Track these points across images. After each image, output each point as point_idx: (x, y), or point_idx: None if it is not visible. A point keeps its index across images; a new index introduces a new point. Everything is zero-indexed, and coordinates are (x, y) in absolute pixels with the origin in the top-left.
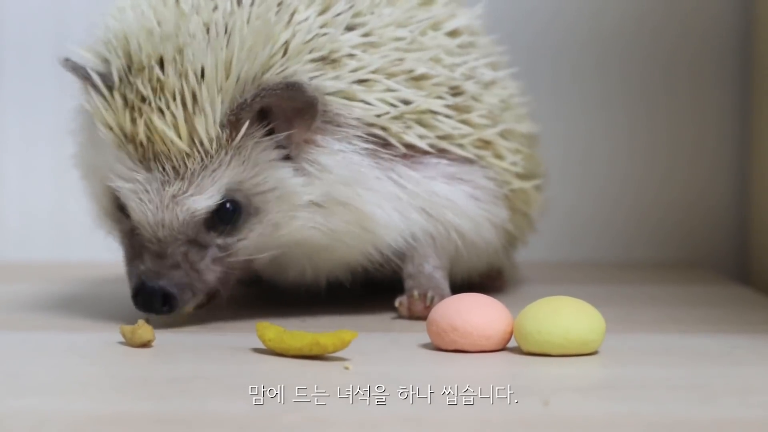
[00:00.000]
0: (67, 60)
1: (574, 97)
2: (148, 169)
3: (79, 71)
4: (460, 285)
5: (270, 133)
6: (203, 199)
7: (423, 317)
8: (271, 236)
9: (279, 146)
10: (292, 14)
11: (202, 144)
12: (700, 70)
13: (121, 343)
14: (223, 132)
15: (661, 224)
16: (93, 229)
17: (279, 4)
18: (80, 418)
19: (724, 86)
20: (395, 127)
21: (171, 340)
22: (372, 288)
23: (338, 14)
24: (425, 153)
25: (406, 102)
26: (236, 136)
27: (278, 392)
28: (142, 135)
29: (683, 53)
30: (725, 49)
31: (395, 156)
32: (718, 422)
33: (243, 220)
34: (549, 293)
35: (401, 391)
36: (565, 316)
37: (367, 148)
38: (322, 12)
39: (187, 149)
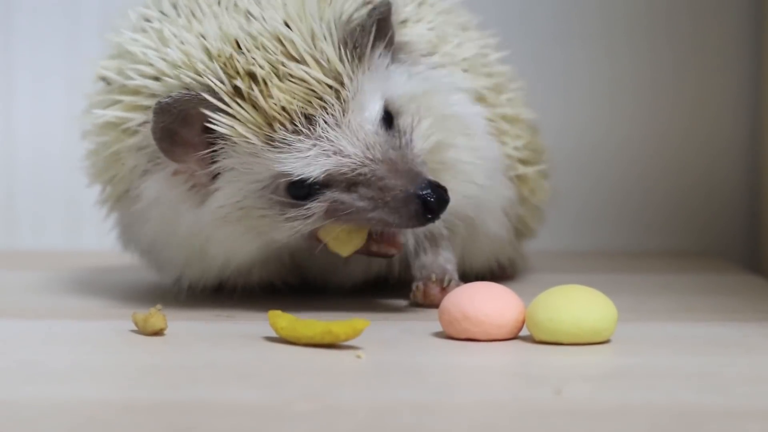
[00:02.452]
0: (161, 103)
1: (585, 84)
2: (312, 129)
3: (189, 97)
4: (470, 275)
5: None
6: (370, 109)
7: (437, 303)
8: (418, 134)
9: (388, 60)
10: None
11: (340, 72)
12: (713, 53)
13: (134, 331)
14: (348, 51)
15: (673, 213)
16: (105, 218)
17: None
18: (92, 405)
19: (738, 72)
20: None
21: (183, 329)
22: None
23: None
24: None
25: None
26: (365, 53)
27: (290, 381)
28: (277, 106)
29: (697, 46)
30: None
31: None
32: (730, 411)
33: (396, 122)
34: (561, 282)
35: (413, 379)
36: (577, 304)
37: (435, 65)
38: None
39: (333, 82)
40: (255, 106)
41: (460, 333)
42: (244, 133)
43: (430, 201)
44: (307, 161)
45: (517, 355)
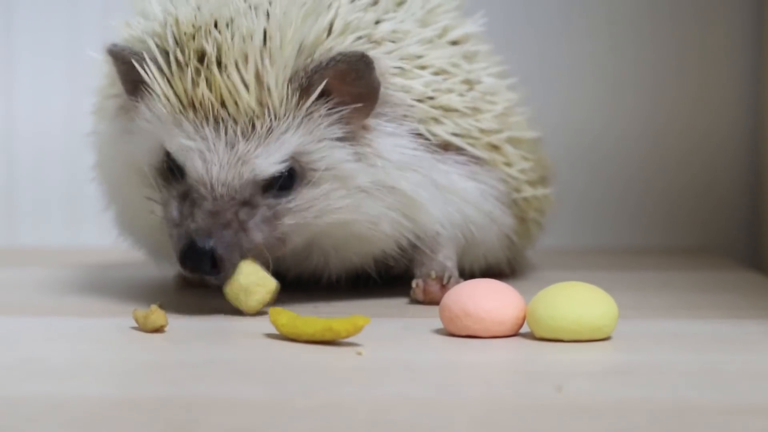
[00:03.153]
0: (112, 45)
1: (585, 81)
2: (216, 129)
3: (126, 50)
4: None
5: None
6: (269, 163)
7: (437, 300)
8: (318, 211)
9: (341, 125)
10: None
11: (271, 104)
12: (714, 50)
13: (134, 328)
14: (293, 94)
15: (674, 210)
16: (106, 214)
17: None
18: (93, 402)
19: (738, 69)
20: (430, 117)
21: (184, 325)
22: (382, 279)
23: (365, 8)
24: (448, 149)
25: (435, 92)
26: (307, 100)
27: (291, 377)
28: (205, 95)
29: (697, 44)
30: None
31: (428, 147)
32: (731, 407)
33: (296, 187)
34: (562, 279)
35: (414, 376)
36: (577, 301)
37: (412, 131)
38: (352, 1)
39: (257, 108)
40: (189, 81)
41: (460, 330)
42: (162, 99)
43: (188, 255)
44: (185, 147)
45: (517, 352)
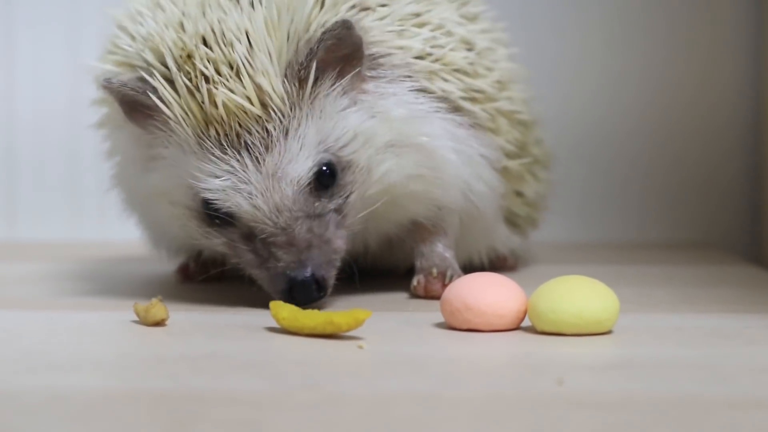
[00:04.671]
0: (107, 82)
1: (588, 76)
2: (238, 154)
3: (126, 86)
4: (466, 269)
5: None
6: (299, 164)
7: (438, 296)
8: (368, 185)
9: (345, 95)
10: None
11: (272, 102)
12: (714, 43)
13: (135, 321)
14: (291, 87)
15: (675, 204)
16: (106, 208)
17: None
18: (94, 395)
19: (740, 63)
20: (432, 73)
21: (185, 319)
22: (379, 273)
23: None
24: (451, 109)
25: (440, 48)
26: (306, 88)
27: (292, 371)
28: (216, 113)
29: (697, 40)
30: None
31: (435, 100)
32: (732, 401)
33: (340, 178)
34: (563, 273)
35: (415, 370)
36: (579, 295)
37: (414, 87)
38: None
39: (260, 112)
40: (198, 104)
41: (461, 324)
42: (180, 126)
43: (295, 291)
44: (219, 187)
45: (519, 345)
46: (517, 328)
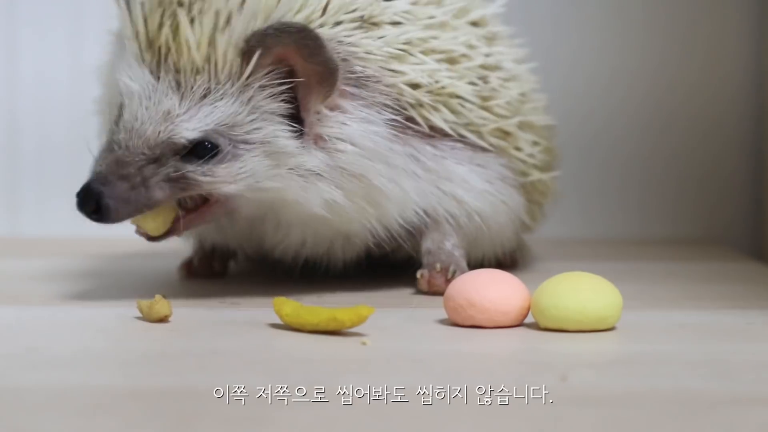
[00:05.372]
0: None
1: (592, 73)
2: (157, 78)
3: None
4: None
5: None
6: (189, 129)
7: (442, 291)
8: (247, 186)
9: (287, 102)
10: None
11: (215, 64)
12: (718, 40)
13: (138, 318)
14: (237, 60)
15: (678, 201)
16: None
17: None
18: (97, 392)
19: (742, 57)
20: (424, 104)
21: (188, 315)
22: (388, 267)
23: None
24: (446, 136)
25: (438, 81)
26: (246, 69)
27: (295, 367)
28: (163, 40)
29: (702, 37)
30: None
31: (417, 133)
32: (735, 397)
33: (217, 161)
34: (566, 269)
35: (418, 366)
36: (582, 292)
37: (392, 120)
38: None
39: (200, 64)
40: (154, 21)
41: (465, 320)
42: (129, 30)
43: (79, 194)
44: (125, 88)
45: (522, 342)
46: (520, 324)
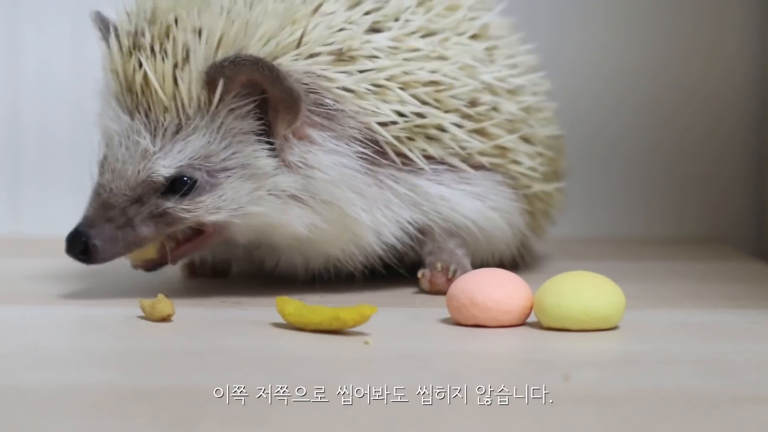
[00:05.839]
0: (95, 13)
1: (593, 71)
2: (132, 118)
3: (96, 21)
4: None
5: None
6: (165, 166)
7: (444, 291)
8: (230, 214)
9: (258, 120)
10: (320, 5)
11: (181, 101)
12: (720, 38)
13: (141, 317)
14: (202, 93)
15: (680, 200)
16: None
17: None
18: (100, 391)
19: (747, 58)
20: (398, 138)
21: (191, 315)
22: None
23: (367, 12)
24: (428, 160)
25: (418, 115)
26: (213, 99)
27: (298, 367)
28: (138, 81)
29: (705, 35)
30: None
31: (393, 163)
32: (737, 396)
33: (196, 193)
34: (569, 268)
35: (421, 365)
36: (585, 291)
37: (362, 153)
38: (351, 7)
39: (167, 102)
40: (132, 67)
41: (467, 319)
42: (109, 70)
43: (68, 237)
44: (105, 131)
45: (525, 341)
46: (523, 323)
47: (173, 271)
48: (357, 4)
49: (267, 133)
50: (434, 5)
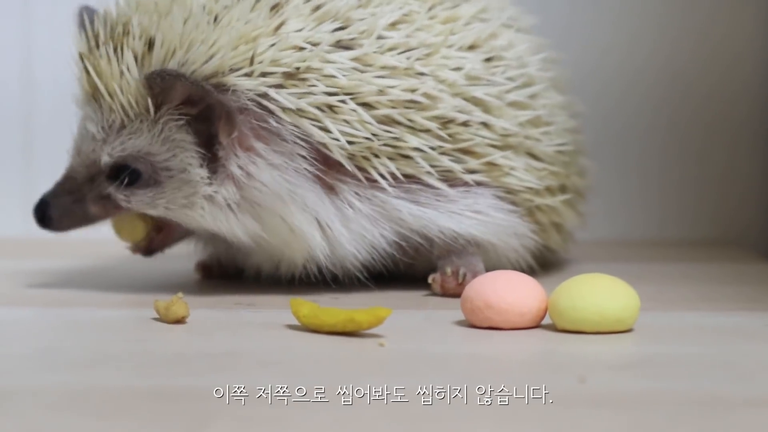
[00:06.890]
0: (83, 7)
1: (604, 74)
2: (89, 106)
3: (79, 15)
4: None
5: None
6: (105, 155)
7: (456, 294)
8: (164, 211)
9: (196, 134)
10: (282, 23)
11: (123, 104)
12: (729, 38)
13: (156, 319)
14: (142, 102)
15: (694, 202)
16: None
17: (274, 7)
18: (114, 393)
19: (753, 58)
20: (354, 157)
21: (205, 317)
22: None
23: (333, 30)
24: (396, 179)
25: (378, 135)
26: (150, 107)
27: (312, 369)
28: (103, 70)
29: (713, 35)
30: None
31: (356, 180)
32: (752, 399)
33: (139, 185)
34: (583, 271)
35: (436, 367)
36: (599, 293)
37: (309, 170)
38: (318, 24)
39: (111, 104)
40: (94, 64)
41: (482, 321)
42: (80, 73)
43: (36, 205)
44: (81, 115)
45: (539, 343)
46: (538, 326)
47: (188, 273)
48: (326, 21)
49: (210, 142)
50: (418, 19)
